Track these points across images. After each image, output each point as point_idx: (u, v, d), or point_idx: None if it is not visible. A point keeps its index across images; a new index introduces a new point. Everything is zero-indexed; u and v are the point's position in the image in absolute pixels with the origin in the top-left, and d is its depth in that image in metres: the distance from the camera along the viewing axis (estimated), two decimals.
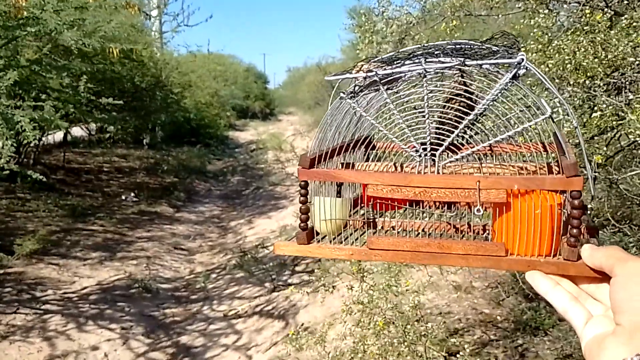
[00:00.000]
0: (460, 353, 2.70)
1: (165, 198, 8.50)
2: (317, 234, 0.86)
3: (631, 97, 1.99)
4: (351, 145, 0.90)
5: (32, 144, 7.56)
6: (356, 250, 0.81)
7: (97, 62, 6.69)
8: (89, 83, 5.84)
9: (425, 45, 0.86)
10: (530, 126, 0.75)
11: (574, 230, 0.70)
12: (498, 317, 3.69)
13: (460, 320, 3.75)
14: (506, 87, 0.75)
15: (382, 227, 0.91)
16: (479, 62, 0.75)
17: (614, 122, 2.06)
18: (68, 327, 4.14)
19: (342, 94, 0.85)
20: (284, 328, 4.32)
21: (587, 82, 1.92)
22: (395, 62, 0.81)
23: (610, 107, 2.03)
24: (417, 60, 0.78)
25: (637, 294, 0.58)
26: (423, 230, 0.90)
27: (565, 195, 0.75)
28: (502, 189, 0.73)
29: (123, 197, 8.06)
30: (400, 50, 0.88)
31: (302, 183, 0.83)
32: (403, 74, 0.80)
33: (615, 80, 2.12)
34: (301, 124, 17.91)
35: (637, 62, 1.85)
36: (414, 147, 0.82)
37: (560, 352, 3.07)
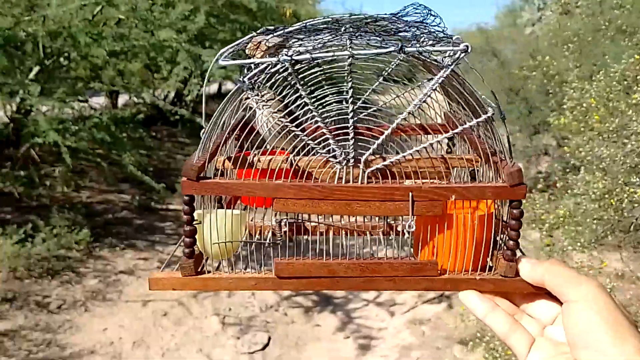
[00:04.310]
0: None
1: None
2: (206, 259, 0.72)
3: None
4: (228, 134, 0.74)
5: None
6: (261, 279, 0.69)
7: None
8: None
9: (338, 18, 0.73)
10: (471, 126, 0.68)
11: (511, 243, 0.65)
12: None
13: None
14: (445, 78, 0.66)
15: (287, 233, 0.77)
16: (420, 48, 0.66)
17: None
18: None
19: (239, 81, 0.68)
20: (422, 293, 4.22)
21: None
22: (303, 39, 0.69)
23: None
24: (339, 42, 0.66)
25: (599, 325, 0.54)
26: (341, 232, 0.78)
27: (497, 203, 0.69)
28: (438, 201, 0.66)
29: None
30: (307, 23, 0.74)
31: (187, 199, 0.69)
32: (322, 59, 0.66)
33: None
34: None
35: None
36: (333, 150, 0.69)
37: None
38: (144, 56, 3.52)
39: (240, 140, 0.78)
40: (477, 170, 0.76)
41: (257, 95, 0.70)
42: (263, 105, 0.72)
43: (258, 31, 0.75)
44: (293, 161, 0.70)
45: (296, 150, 0.71)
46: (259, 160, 0.72)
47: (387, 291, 4.27)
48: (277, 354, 3.55)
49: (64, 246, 4.02)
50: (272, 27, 0.76)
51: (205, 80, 0.92)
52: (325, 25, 0.73)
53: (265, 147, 0.73)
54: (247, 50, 0.72)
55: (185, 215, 0.69)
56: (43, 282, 3.80)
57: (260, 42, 0.71)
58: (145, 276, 4.44)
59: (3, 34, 2.73)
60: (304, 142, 0.70)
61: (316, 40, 0.69)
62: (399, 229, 0.78)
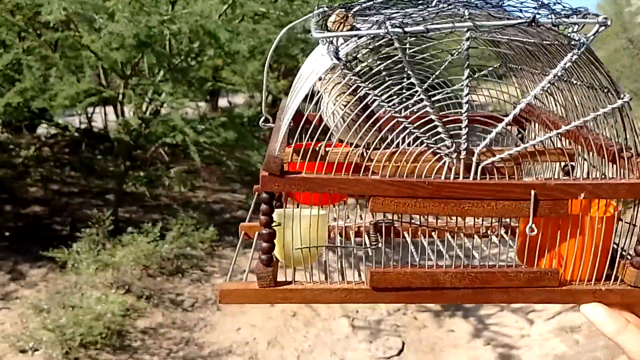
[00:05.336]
0: None
1: None
2: (280, 264, 0.65)
3: None
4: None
5: None
6: (353, 291, 0.61)
7: None
8: None
9: None
10: (604, 113, 0.59)
11: None
12: None
13: None
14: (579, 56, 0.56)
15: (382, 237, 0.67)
16: (556, 20, 0.55)
17: None
18: None
19: (334, 59, 0.58)
20: None
21: None
22: (399, 12, 0.58)
23: None
24: (452, 9, 0.56)
25: None
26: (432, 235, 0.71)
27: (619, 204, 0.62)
28: (564, 200, 0.57)
29: None
30: None
31: (266, 196, 0.59)
32: (436, 31, 0.55)
33: None
34: None
35: None
36: (442, 140, 0.59)
37: None
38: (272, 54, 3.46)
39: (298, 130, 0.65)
40: (573, 165, 0.69)
41: (354, 74, 0.60)
42: (356, 86, 0.61)
43: (335, 6, 0.65)
44: (365, 154, 0.61)
45: (365, 142, 0.61)
46: (325, 152, 0.62)
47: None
48: None
49: (191, 245, 4.04)
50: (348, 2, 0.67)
51: (268, 60, 0.81)
52: None
53: (331, 138, 0.64)
54: (329, 25, 0.62)
55: (263, 216, 0.60)
56: (174, 280, 3.83)
57: (346, 16, 0.62)
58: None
59: (149, 32, 2.74)
60: (407, 131, 0.60)
61: (421, 11, 0.58)
62: (502, 231, 0.72)
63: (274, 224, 0.61)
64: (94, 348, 2.89)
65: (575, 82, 0.62)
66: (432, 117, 0.59)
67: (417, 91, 0.59)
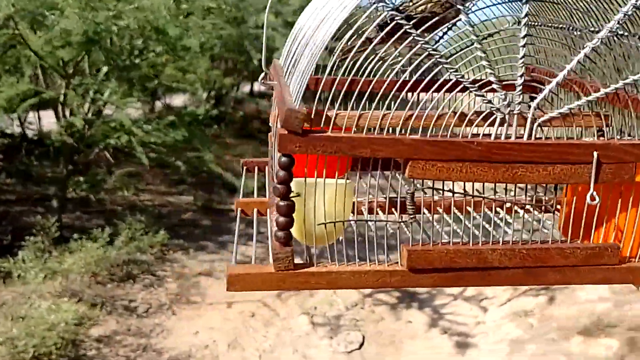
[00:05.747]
0: None
1: None
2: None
3: None
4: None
5: None
6: (386, 273, 0.53)
7: None
8: None
9: None
10: None
11: None
12: None
13: None
14: None
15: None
16: None
17: None
18: None
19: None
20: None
21: None
22: None
23: None
24: None
25: None
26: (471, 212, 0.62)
27: None
28: (629, 163, 0.51)
29: None
30: None
31: (285, 160, 0.51)
32: None
33: None
34: None
35: None
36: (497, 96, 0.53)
37: None
38: (221, 49, 3.39)
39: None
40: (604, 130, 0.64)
41: (393, 8, 0.53)
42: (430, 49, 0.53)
43: None
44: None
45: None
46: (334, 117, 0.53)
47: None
48: (375, 352, 3.41)
49: (140, 249, 3.91)
50: None
51: (268, 6, 0.73)
52: None
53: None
54: None
55: (280, 185, 0.51)
56: (126, 286, 3.70)
57: None
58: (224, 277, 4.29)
59: (96, 29, 2.62)
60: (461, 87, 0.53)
61: None
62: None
63: (292, 194, 0.52)
64: (48, 359, 2.75)
65: (623, 32, 0.56)
66: (484, 63, 0.53)
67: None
